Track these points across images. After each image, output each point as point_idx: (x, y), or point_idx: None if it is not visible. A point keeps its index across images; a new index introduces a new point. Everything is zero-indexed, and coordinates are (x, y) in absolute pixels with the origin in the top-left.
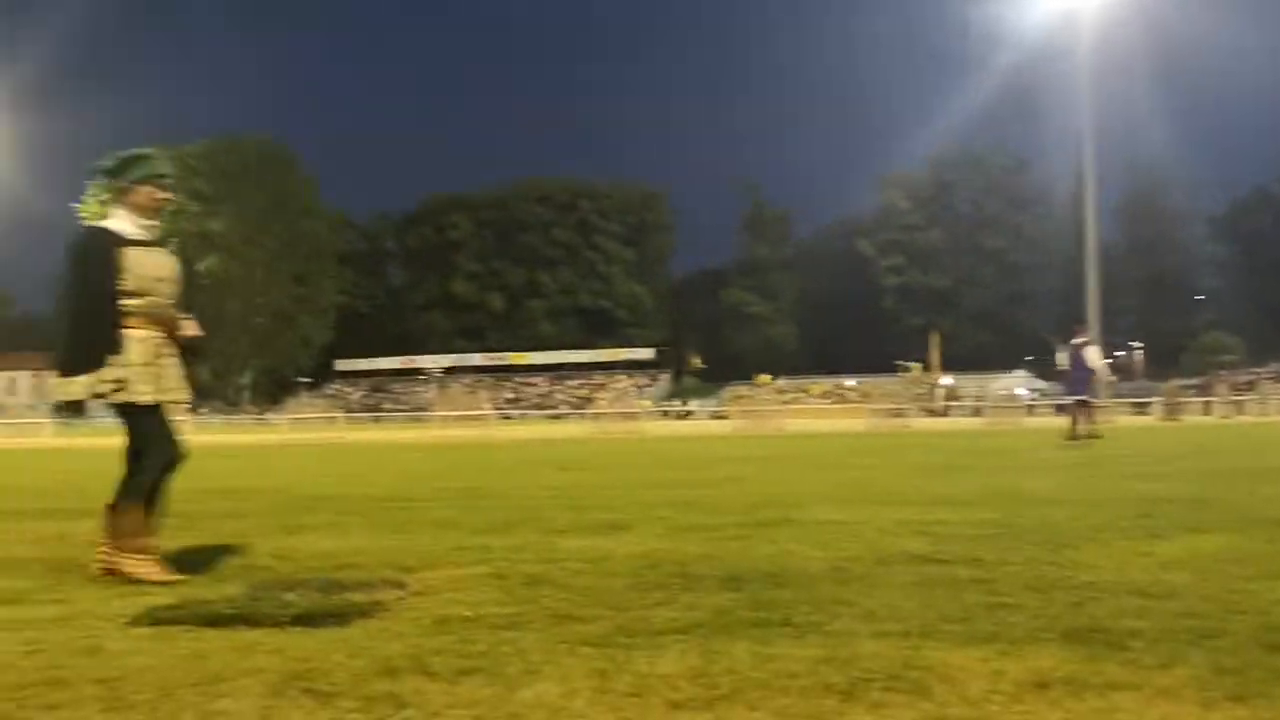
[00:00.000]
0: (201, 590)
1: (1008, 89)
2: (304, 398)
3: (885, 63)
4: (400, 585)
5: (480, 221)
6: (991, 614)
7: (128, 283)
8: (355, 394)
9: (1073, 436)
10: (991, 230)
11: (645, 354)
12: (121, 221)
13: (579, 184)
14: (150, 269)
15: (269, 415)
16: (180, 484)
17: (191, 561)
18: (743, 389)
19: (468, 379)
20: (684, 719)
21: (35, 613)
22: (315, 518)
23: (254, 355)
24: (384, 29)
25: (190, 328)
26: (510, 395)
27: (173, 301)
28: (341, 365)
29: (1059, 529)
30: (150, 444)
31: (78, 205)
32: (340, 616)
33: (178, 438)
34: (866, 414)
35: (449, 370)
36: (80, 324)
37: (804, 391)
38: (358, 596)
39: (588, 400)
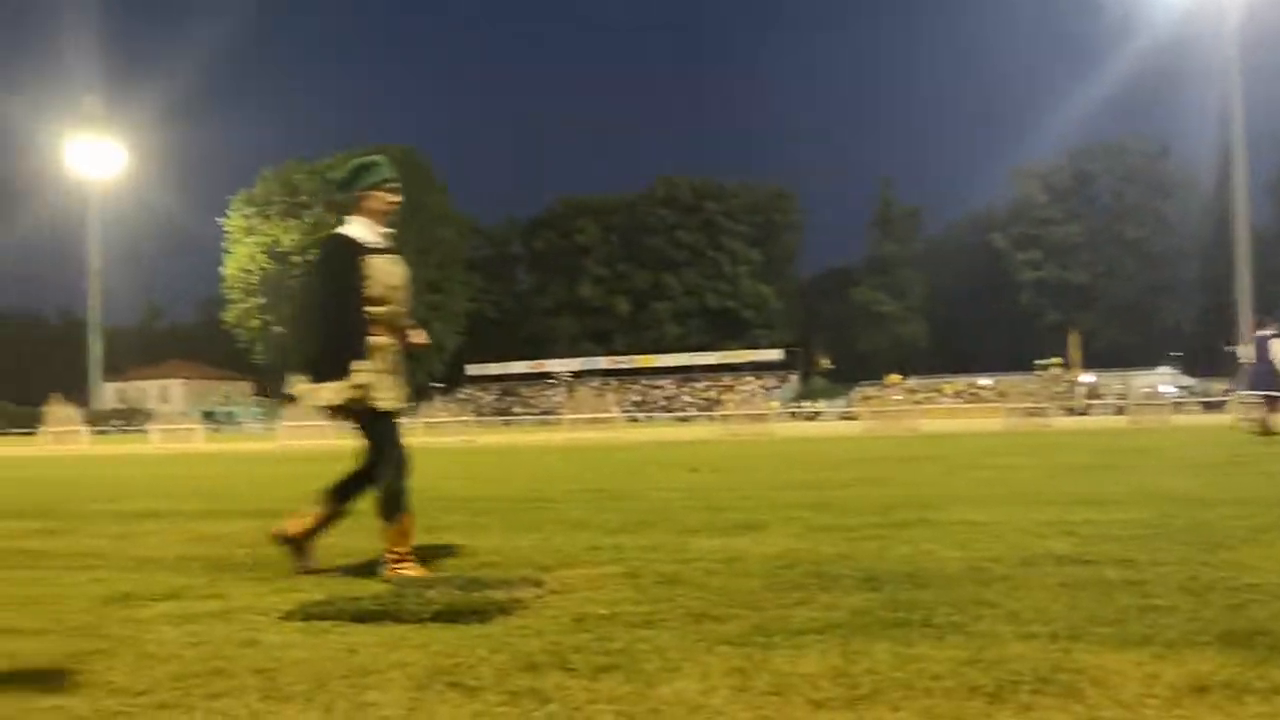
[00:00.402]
0: (348, 587)
1: (1145, 72)
2: (437, 402)
3: (1016, 51)
4: (538, 584)
5: (607, 225)
6: (1144, 616)
7: (371, 290)
8: (486, 398)
9: (1265, 432)
10: (1133, 220)
11: (773, 355)
12: (360, 229)
13: (705, 185)
14: (390, 276)
15: (404, 419)
16: (318, 485)
17: (338, 560)
18: (872, 389)
19: (595, 382)
20: (826, 718)
21: (195, 607)
22: (453, 518)
23: None
24: (510, 35)
25: (418, 336)
26: (637, 398)
27: (407, 309)
28: (472, 370)
29: (1214, 529)
30: (387, 450)
31: (221, 220)
32: (481, 613)
33: (406, 446)
34: (1003, 413)
35: (577, 374)
36: (328, 332)
37: (936, 391)
38: (497, 594)
39: (715, 402)
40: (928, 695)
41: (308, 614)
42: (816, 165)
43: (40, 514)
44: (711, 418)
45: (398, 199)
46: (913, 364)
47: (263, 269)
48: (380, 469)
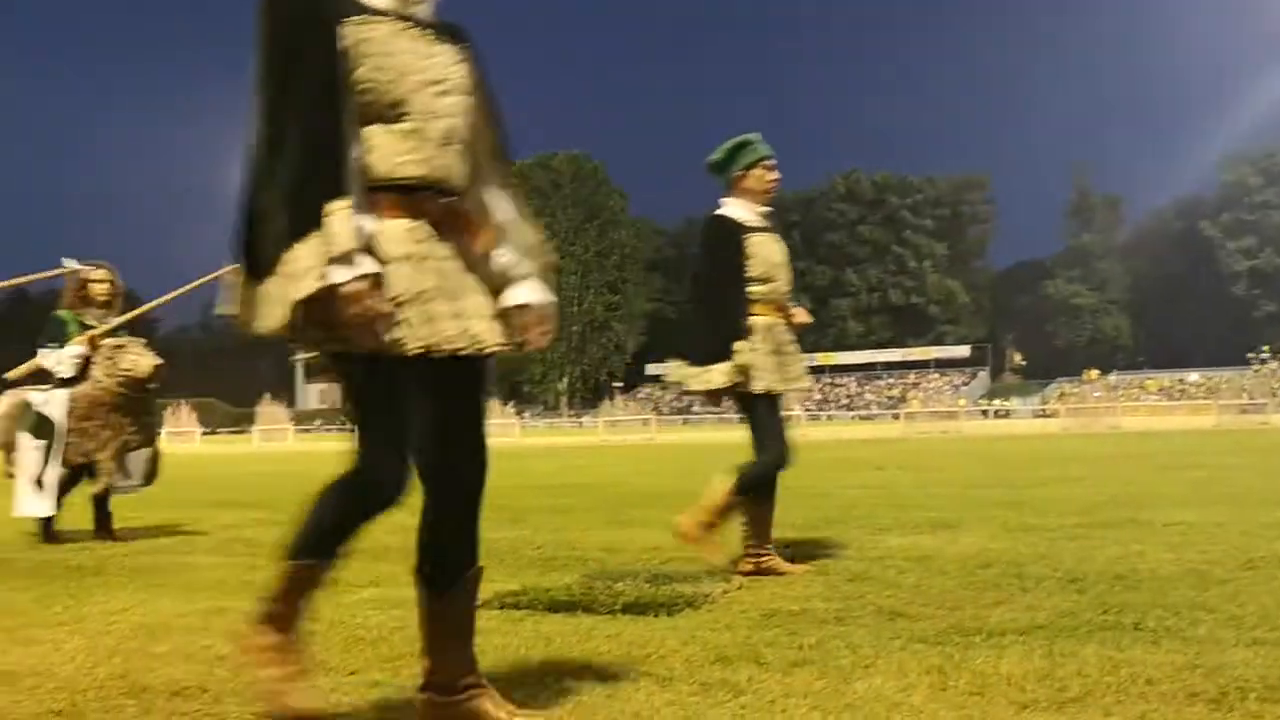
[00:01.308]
0: (539, 579)
1: None
2: (617, 401)
3: (1217, 30)
4: (726, 579)
5: (785, 222)
6: None
7: (752, 270)
8: (666, 396)
9: None
10: None
11: (960, 351)
12: (739, 209)
13: (887, 179)
14: (772, 254)
15: (584, 419)
16: (510, 481)
17: (529, 552)
18: (1069, 385)
19: None
20: None
21: (398, 594)
22: (639, 513)
23: (570, 362)
24: (685, 39)
25: (800, 315)
26: (818, 396)
27: (788, 288)
28: (652, 369)
29: None
30: (767, 437)
31: None
32: (669, 607)
33: (788, 434)
34: (1214, 411)
35: None
36: (711, 313)
37: (1139, 388)
38: (685, 588)
39: (900, 400)
40: (1143, 700)
41: (503, 603)
42: (1006, 154)
43: (260, 505)
44: (896, 416)
45: (776, 177)
46: (1113, 359)
47: None
48: (760, 451)
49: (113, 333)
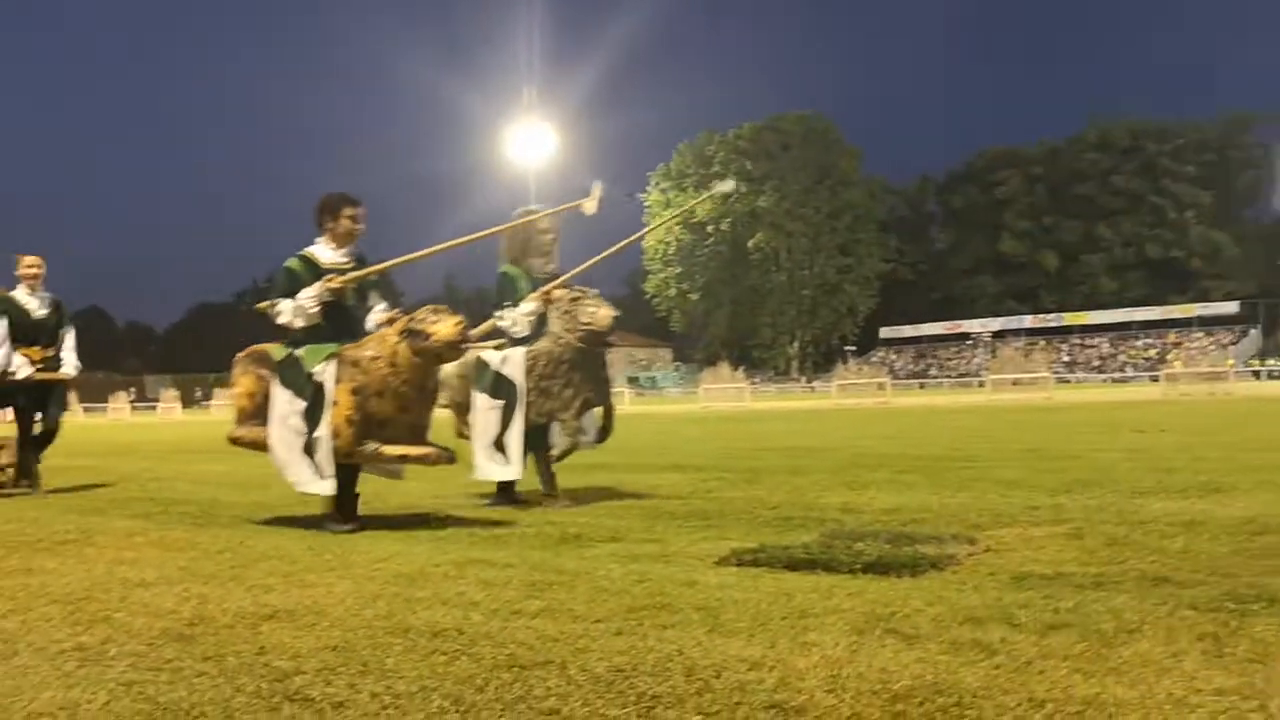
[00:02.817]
0: (776, 537)
1: None
2: (850, 365)
3: None
4: (971, 541)
5: (1031, 176)
6: None
7: None
8: (900, 361)
9: None
10: None
11: (1228, 308)
12: None
13: (1143, 124)
14: None
15: (816, 383)
16: (742, 443)
17: (764, 512)
18: None
19: (1018, 342)
20: None
21: (636, 549)
22: (876, 475)
23: (801, 325)
24: None
25: None
26: (1067, 358)
27: None
28: (886, 333)
29: None
30: None
31: (640, 195)
32: (912, 567)
33: None
34: None
35: (997, 334)
36: None
37: None
38: (928, 549)
39: (1158, 361)
40: None
41: (740, 560)
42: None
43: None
44: (1154, 378)
45: None
46: None
47: (678, 240)
48: None
49: (565, 285)
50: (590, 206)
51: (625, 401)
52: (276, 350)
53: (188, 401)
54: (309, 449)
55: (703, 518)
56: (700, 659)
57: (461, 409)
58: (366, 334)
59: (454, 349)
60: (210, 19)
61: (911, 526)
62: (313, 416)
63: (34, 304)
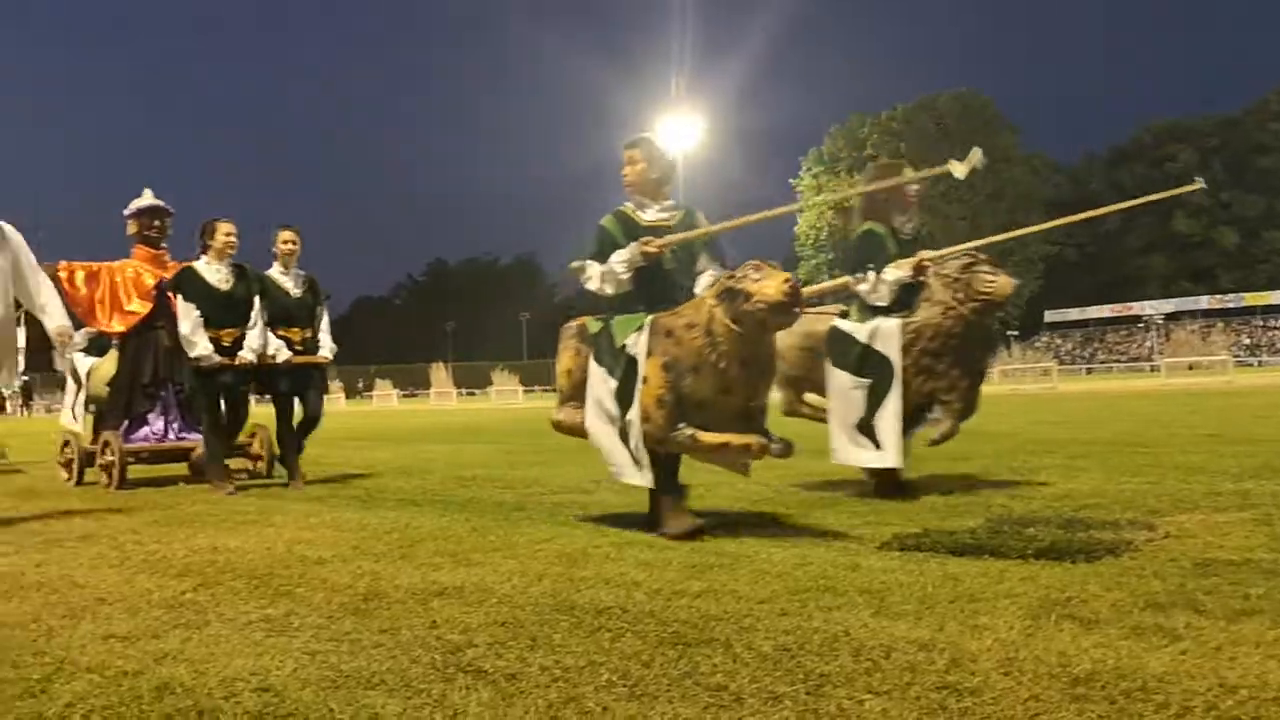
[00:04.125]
0: (940, 522)
1: None
2: (1014, 350)
3: None
4: (1150, 527)
5: (1205, 149)
6: None
7: None
8: (1065, 345)
9: None
10: None
11: None
12: None
13: None
14: None
15: None
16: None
17: (926, 497)
18: None
19: (1194, 324)
20: None
21: (796, 533)
22: (1045, 460)
23: None
24: None
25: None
26: (1247, 340)
27: None
28: (1051, 316)
29: None
30: None
31: (792, 181)
32: (1087, 553)
33: None
34: None
35: (1170, 316)
36: None
37: None
38: (1104, 535)
39: None
40: None
41: (904, 544)
42: None
43: None
44: None
45: None
46: None
47: (830, 225)
48: None
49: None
50: (961, 170)
51: None
52: (593, 323)
53: (350, 393)
54: (622, 434)
55: (862, 502)
56: (867, 639)
57: (797, 384)
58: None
59: (781, 313)
60: (396, 33)
61: (1085, 512)
62: (624, 397)
63: (290, 283)
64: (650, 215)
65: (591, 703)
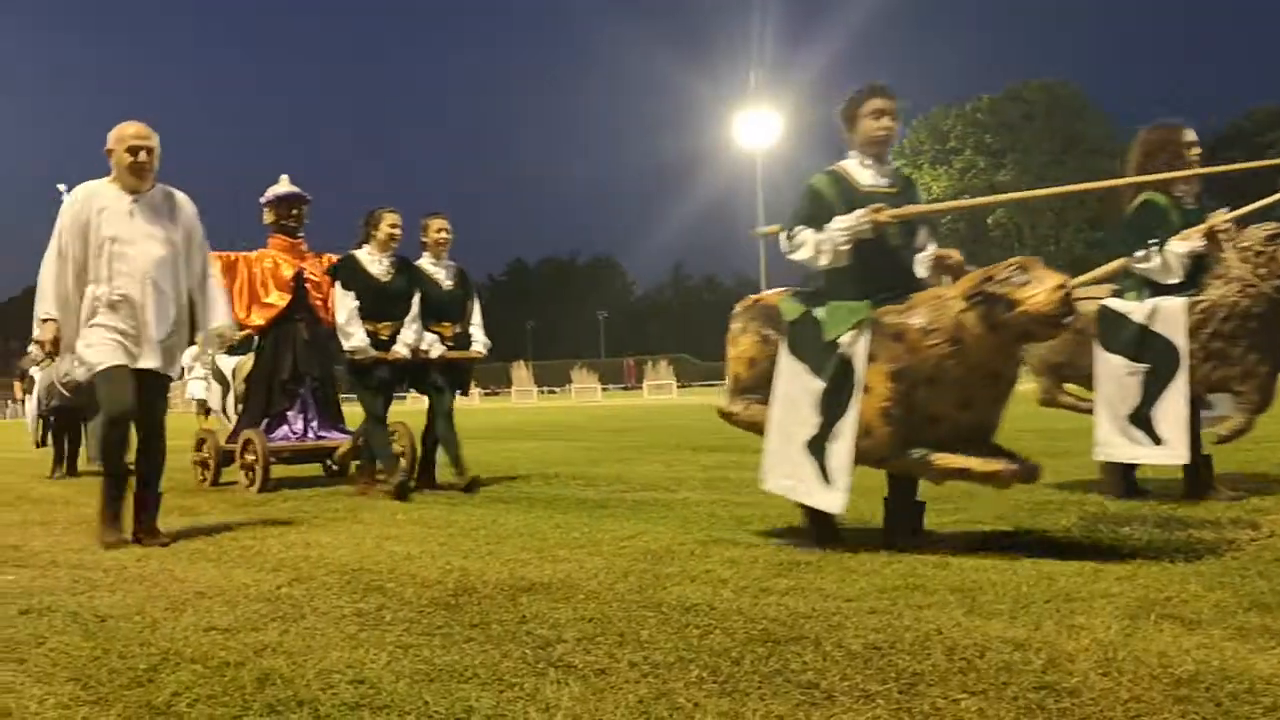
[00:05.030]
0: (1032, 520)
1: None
2: None
3: None
4: (1254, 526)
5: None
6: None
7: None
8: None
9: None
10: None
11: None
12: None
13: None
14: None
15: None
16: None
17: (1014, 495)
18: None
19: None
20: None
21: (880, 533)
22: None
23: None
24: None
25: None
26: None
27: None
28: None
29: None
30: None
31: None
32: (1187, 552)
33: None
34: None
35: None
36: None
37: None
38: (1204, 534)
39: None
40: None
41: (997, 544)
42: None
43: (738, 449)
44: None
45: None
46: None
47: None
48: None
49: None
50: None
51: None
52: (788, 305)
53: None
54: (817, 444)
55: (949, 500)
56: (961, 639)
57: (1058, 371)
58: (916, 286)
59: (1050, 325)
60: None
61: (1183, 511)
62: (833, 403)
63: (441, 274)
64: (868, 179)
65: (683, 698)
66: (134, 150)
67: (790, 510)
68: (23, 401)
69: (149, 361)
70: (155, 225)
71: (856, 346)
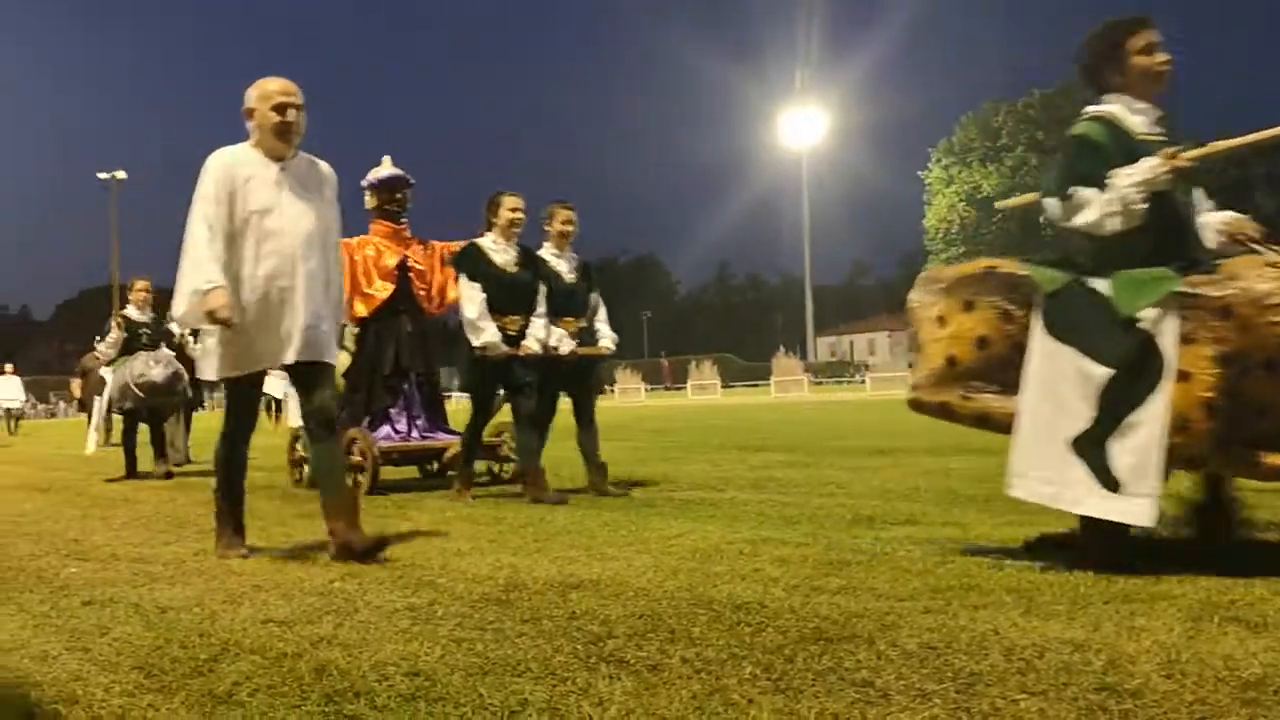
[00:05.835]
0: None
1: None
2: None
3: None
4: None
5: None
6: None
7: None
8: None
9: None
10: None
11: None
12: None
13: None
14: None
15: None
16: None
17: None
18: None
19: None
20: None
21: (935, 533)
22: None
23: None
24: None
25: None
26: None
27: None
28: None
29: None
30: None
31: (921, 174)
32: (1249, 554)
33: None
34: None
35: None
36: None
37: None
38: (1268, 535)
39: None
40: None
41: (1052, 543)
42: None
43: (784, 449)
44: None
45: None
46: None
47: (962, 218)
48: None
49: None
50: None
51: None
52: (1045, 275)
53: None
54: (1089, 442)
55: (1004, 501)
56: (1018, 639)
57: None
58: (1204, 255)
59: None
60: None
61: (1246, 511)
62: (1124, 393)
63: (564, 266)
64: (1142, 126)
65: (736, 695)
66: (281, 108)
67: (834, 511)
68: (80, 401)
69: (301, 355)
70: (304, 198)
71: (1164, 324)
